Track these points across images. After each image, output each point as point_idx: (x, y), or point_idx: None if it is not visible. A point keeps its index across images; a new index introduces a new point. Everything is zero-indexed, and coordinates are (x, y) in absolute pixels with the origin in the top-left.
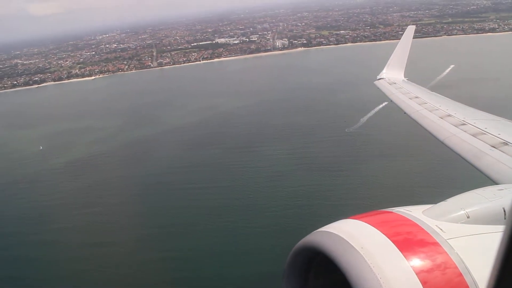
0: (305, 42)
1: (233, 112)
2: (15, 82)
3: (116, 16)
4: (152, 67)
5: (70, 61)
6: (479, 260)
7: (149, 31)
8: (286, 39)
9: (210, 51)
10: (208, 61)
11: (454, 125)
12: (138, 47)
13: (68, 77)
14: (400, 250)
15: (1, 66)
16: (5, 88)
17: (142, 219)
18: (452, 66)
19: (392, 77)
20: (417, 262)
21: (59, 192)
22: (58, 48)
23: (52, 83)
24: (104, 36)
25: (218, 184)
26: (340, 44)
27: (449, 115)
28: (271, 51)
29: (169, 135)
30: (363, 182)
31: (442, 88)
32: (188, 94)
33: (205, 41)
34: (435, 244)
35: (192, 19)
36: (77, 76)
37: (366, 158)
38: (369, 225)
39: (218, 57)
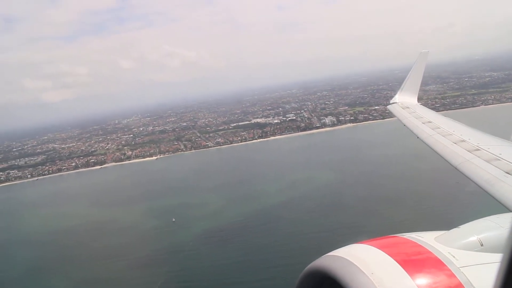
0: (352, 118)
1: (333, 183)
2: (73, 164)
3: (122, 102)
4: (209, 147)
5: (112, 144)
6: None
7: (172, 114)
8: (331, 116)
9: (259, 130)
10: (264, 139)
11: (468, 151)
12: (177, 129)
13: (128, 158)
14: (411, 277)
15: (40, 151)
16: (68, 169)
17: None
18: None
19: (405, 101)
20: None
21: (229, 252)
22: (88, 132)
23: (113, 164)
24: (129, 120)
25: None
26: (386, 118)
27: (463, 140)
28: (321, 128)
29: (289, 206)
30: None
31: None
32: (271, 169)
33: (240, 121)
34: (448, 272)
35: (205, 102)
36: (136, 157)
37: None
38: (379, 250)
39: (272, 135)
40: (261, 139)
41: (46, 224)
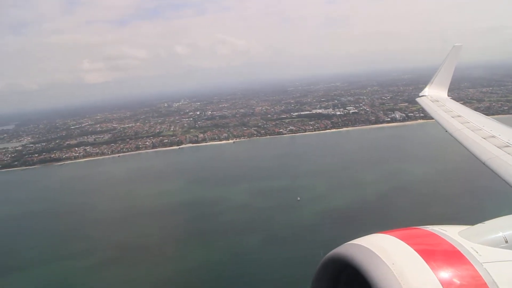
0: (422, 115)
1: (435, 175)
2: (147, 143)
3: (165, 86)
4: (283, 134)
5: (175, 126)
6: None
7: (222, 100)
8: (398, 111)
9: (328, 121)
10: (336, 130)
11: (498, 147)
12: (237, 115)
13: (204, 140)
14: (432, 270)
15: (100, 129)
16: (146, 148)
17: None
18: None
19: (435, 94)
20: (450, 284)
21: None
22: (141, 114)
23: (190, 145)
24: (178, 104)
25: None
26: None
27: (493, 136)
28: (390, 122)
29: (403, 191)
30: None
31: None
32: (363, 158)
33: (299, 111)
34: (470, 267)
35: (248, 89)
36: (210, 139)
37: None
38: (401, 241)
39: (344, 126)
40: (333, 130)
41: (160, 197)
